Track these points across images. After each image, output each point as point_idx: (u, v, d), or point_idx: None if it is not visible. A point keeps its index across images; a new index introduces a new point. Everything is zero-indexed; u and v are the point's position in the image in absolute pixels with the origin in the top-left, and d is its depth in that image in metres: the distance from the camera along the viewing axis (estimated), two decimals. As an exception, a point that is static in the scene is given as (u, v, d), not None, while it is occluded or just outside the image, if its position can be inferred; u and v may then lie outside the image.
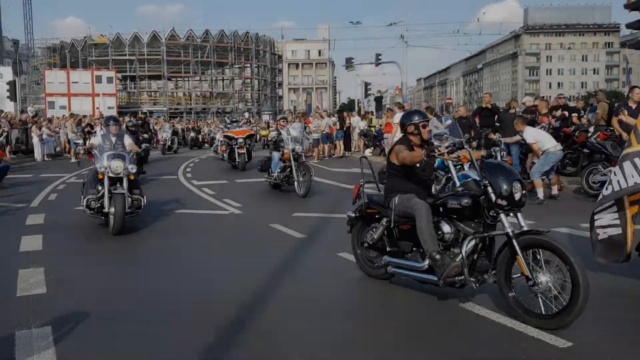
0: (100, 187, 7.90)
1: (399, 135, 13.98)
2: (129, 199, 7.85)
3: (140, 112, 50.05)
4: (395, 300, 4.96)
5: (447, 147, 4.66)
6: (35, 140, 21.76)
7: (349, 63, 39.31)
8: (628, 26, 11.09)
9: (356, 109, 41.67)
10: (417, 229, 4.67)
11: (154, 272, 5.95)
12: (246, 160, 16.76)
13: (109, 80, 56.81)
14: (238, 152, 16.72)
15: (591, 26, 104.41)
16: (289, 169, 11.51)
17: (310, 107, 55.48)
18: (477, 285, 4.53)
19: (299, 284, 5.46)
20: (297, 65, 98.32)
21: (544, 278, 4.17)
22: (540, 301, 4.19)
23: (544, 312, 4.16)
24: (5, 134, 19.82)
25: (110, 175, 7.81)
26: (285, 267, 6.02)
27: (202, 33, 73.22)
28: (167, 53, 71.13)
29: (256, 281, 5.44)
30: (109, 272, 6.06)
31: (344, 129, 22.19)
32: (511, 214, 4.44)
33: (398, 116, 14.50)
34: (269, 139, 12.87)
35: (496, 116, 14.02)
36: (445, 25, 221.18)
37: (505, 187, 4.33)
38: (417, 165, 5.00)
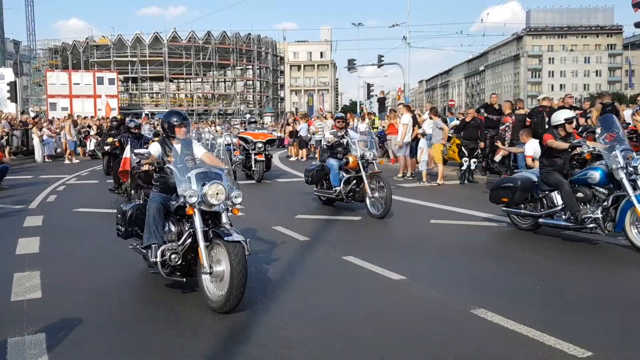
0: (174, 228, 5.08)
1: (407, 136, 13.92)
2: None
3: (142, 114, 49.90)
4: (404, 306, 4.76)
5: None
6: (35, 141, 21.65)
7: (351, 64, 39.12)
8: (637, 25, 10.89)
9: (358, 110, 41.51)
10: None
11: (152, 278, 5.74)
12: (264, 170, 14.28)
13: (111, 81, 56.80)
14: (255, 159, 14.05)
15: (593, 28, 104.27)
16: (355, 180, 9.27)
17: (312, 109, 55.34)
18: None
19: (303, 289, 5.27)
20: (299, 67, 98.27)
21: None
22: None
23: None
24: (6, 135, 19.73)
25: (203, 208, 4.76)
26: (289, 271, 5.84)
27: (204, 34, 73.16)
28: (168, 54, 71.08)
29: (259, 285, 5.26)
30: (107, 277, 5.85)
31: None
32: None
33: (406, 117, 14.32)
34: (328, 142, 9.83)
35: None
36: (448, 27, 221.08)
37: None
38: None
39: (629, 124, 12.62)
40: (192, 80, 78.22)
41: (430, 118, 13.59)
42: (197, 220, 4.67)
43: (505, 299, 4.87)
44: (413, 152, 14.46)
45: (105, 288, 5.37)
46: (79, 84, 54.16)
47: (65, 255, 6.79)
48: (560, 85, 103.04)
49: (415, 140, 14.19)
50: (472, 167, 13.37)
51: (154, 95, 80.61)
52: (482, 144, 13.34)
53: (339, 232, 8.03)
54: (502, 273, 5.93)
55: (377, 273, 5.65)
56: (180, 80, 79.18)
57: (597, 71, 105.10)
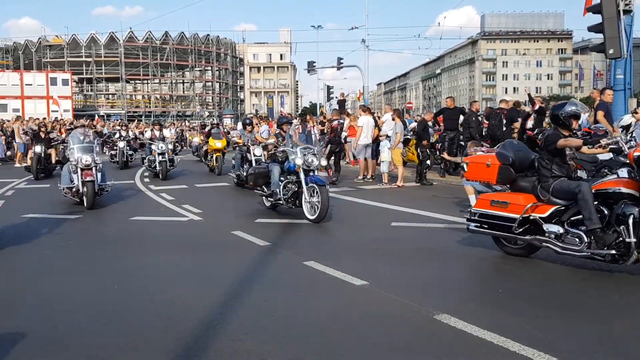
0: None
1: (364, 138, 13.89)
2: None
3: (96, 116, 48.53)
4: (366, 313, 4.65)
5: None
6: (-18, 144, 20.77)
7: (310, 67, 39.13)
8: (590, 29, 11.12)
9: (318, 112, 41.47)
10: None
11: (102, 288, 5.47)
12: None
13: (65, 82, 55.40)
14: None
15: (545, 33, 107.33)
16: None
17: (272, 110, 55.09)
18: None
19: (262, 297, 5.10)
20: (258, 68, 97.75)
21: None
22: None
23: None
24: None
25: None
26: (248, 278, 5.66)
27: (162, 35, 71.86)
28: (125, 55, 69.50)
29: (216, 294, 5.06)
30: (55, 288, 5.54)
31: (306, 132, 21.92)
32: None
33: (363, 119, 14.31)
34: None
35: (461, 116, 14.05)
36: (407, 30, 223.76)
37: None
38: None
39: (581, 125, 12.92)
40: (149, 82, 76.70)
41: (393, 119, 13.61)
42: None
43: (469, 303, 4.83)
44: (374, 154, 14.47)
45: (53, 300, 5.06)
46: (31, 84, 52.64)
47: (11, 264, 6.42)
48: (514, 88, 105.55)
49: (376, 142, 14.20)
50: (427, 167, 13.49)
51: (110, 96, 78.74)
52: (438, 145, 13.52)
53: (300, 236, 7.89)
54: (464, 277, 5.90)
55: (338, 279, 5.53)
56: (137, 81, 77.58)
57: (548, 75, 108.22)
